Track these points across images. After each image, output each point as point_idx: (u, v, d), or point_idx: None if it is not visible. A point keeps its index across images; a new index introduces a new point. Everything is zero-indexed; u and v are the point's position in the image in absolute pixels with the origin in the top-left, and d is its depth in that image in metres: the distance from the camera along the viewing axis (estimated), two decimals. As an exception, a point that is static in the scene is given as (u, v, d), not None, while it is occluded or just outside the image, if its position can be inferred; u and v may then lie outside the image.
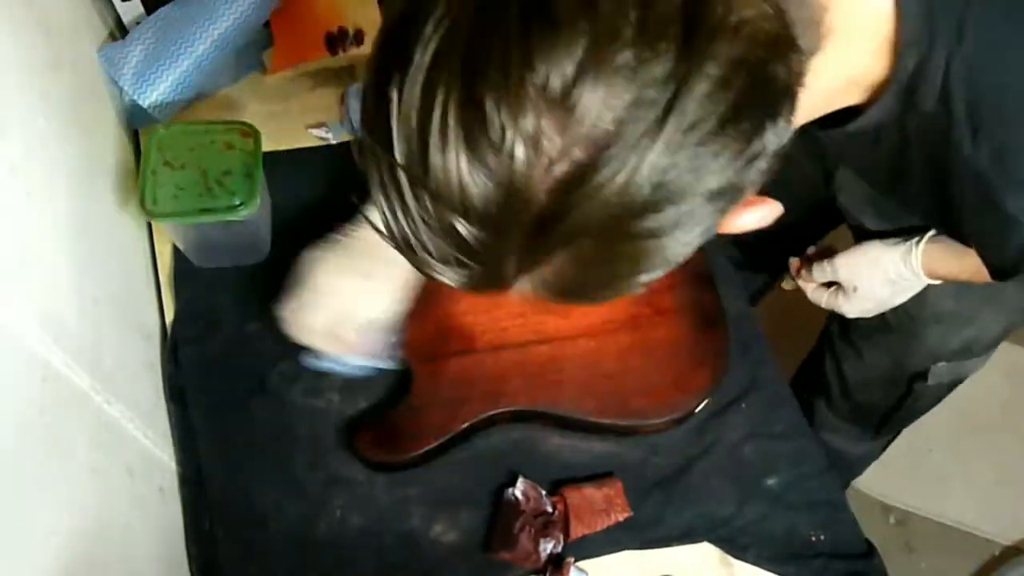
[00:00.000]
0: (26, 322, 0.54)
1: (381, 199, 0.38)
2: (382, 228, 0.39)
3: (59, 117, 0.71)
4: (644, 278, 0.40)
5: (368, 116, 0.37)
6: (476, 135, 0.33)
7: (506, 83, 0.32)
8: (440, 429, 0.76)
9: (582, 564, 0.73)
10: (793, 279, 0.92)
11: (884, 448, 1.19)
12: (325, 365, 0.75)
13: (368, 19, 0.97)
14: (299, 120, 0.97)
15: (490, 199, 0.34)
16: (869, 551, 0.77)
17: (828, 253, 0.88)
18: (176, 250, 0.86)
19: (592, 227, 0.35)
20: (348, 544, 0.74)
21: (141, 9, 0.92)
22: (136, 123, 0.91)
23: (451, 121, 0.33)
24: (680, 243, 0.37)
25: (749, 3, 0.34)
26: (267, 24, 0.97)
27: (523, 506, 0.74)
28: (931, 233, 0.78)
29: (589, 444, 0.79)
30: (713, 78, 0.33)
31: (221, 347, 0.82)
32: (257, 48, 0.99)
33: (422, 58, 0.34)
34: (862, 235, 0.85)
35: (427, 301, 0.83)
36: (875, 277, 0.82)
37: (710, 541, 0.76)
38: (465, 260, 0.37)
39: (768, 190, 0.40)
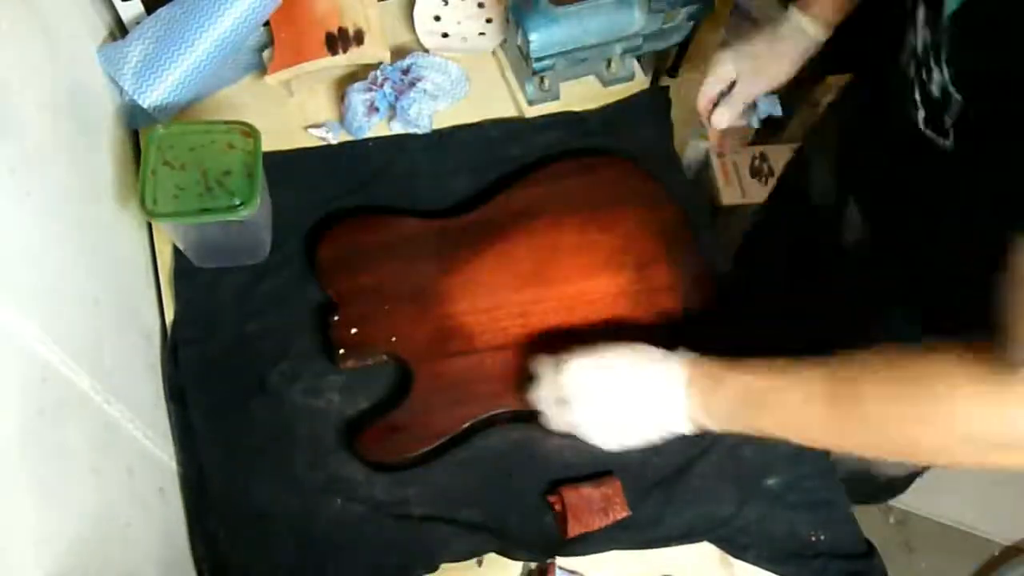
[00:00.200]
0: (26, 322, 0.54)
1: None
2: None
3: (59, 117, 0.71)
4: None
5: None
6: None
7: None
8: (440, 429, 0.76)
9: (581, 563, 0.74)
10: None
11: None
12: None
13: (368, 19, 0.97)
14: (299, 120, 0.97)
15: None
16: (869, 551, 0.77)
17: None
18: (176, 250, 0.86)
19: None
20: (348, 544, 0.74)
21: (141, 9, 0.92)
22: (136, 123, 0.91)
23: None
24: None
25: None
26: (267, 24, 0.97)
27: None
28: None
29: (589, 444, 0.79)
30: None
31: (221, 347, 0.82)
32: (257, 48, 0.99)
33: None
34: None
35: (427, 301, 0.83)
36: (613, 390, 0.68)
37: (710, 541, 0.76)
38: None
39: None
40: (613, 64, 1.00)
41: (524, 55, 0.94)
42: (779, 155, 1.57)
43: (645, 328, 0.83)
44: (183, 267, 0.86)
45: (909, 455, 0.55)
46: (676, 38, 1.00)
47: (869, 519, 1.50)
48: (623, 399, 0.68)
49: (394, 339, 0.80)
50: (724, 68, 0.84)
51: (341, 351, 0.80)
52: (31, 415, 0.53)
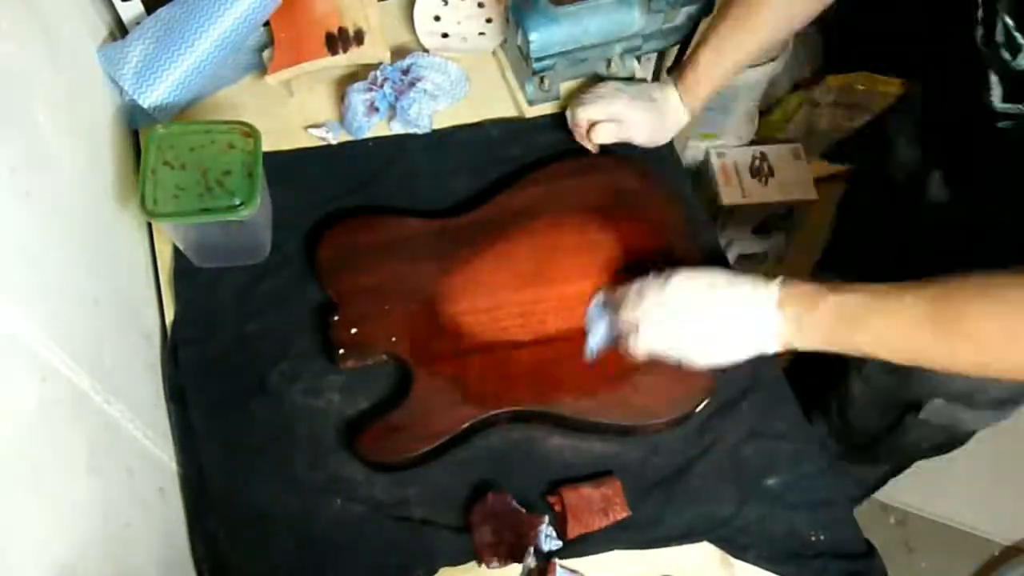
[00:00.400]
0: (26, 322, 0.54)
1: None
2: None
3: (59, 117, 0.71)
4: None
5: None
6: None
7: None
8: (440, 429, 0.76)
9: (581, 563, 0.73)
10: None
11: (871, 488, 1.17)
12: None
13: (368, 19, 0.97)
14: (299, 120, 0.97)
15: None
16: (869, 551, 0.77)
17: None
18: (176, 250, 0.86)
19: None
20: (348, 544, 0.74)
21: (141, 9, 0.92)
22: (136, 123, 0.91)
23: None
24: None
25: None
26: (267, 24, 0.97)
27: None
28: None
29: (589, 444, 0.79)
30: None
31: (221, 347, 0.82)
32: (257, 48, 0.99)
33: None
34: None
35: (427, 301, 0.83)
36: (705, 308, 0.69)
37: (710, 541, 0.76)
38: None
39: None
40: (613, 64, 1.00)
41: (524, 55, 0.94)
42: (779, 155, 1.57)
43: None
44: (183, 267, 0.86)
45: (1011, 370, 0.56)
46: (676, 38, 1.01)
47: (869, 519, 1.50)
48: (722, 314, 0.69)
49: (394, 339, 0.80)
50: (615, 109, 0.90)
51: (341, 351, 0.80)
52: (31, 415, 0.53)
